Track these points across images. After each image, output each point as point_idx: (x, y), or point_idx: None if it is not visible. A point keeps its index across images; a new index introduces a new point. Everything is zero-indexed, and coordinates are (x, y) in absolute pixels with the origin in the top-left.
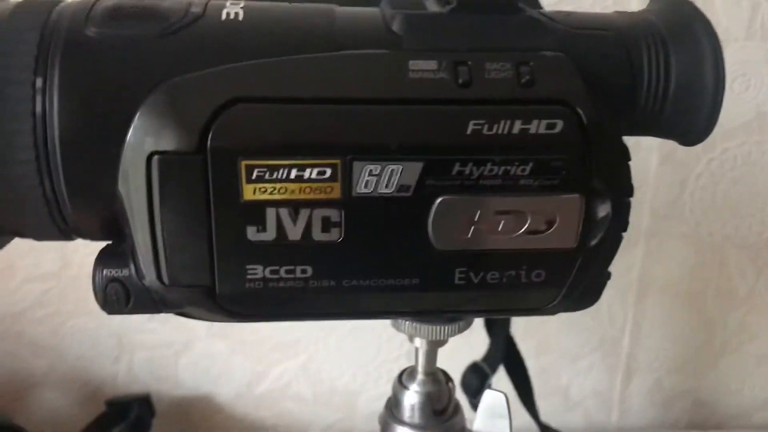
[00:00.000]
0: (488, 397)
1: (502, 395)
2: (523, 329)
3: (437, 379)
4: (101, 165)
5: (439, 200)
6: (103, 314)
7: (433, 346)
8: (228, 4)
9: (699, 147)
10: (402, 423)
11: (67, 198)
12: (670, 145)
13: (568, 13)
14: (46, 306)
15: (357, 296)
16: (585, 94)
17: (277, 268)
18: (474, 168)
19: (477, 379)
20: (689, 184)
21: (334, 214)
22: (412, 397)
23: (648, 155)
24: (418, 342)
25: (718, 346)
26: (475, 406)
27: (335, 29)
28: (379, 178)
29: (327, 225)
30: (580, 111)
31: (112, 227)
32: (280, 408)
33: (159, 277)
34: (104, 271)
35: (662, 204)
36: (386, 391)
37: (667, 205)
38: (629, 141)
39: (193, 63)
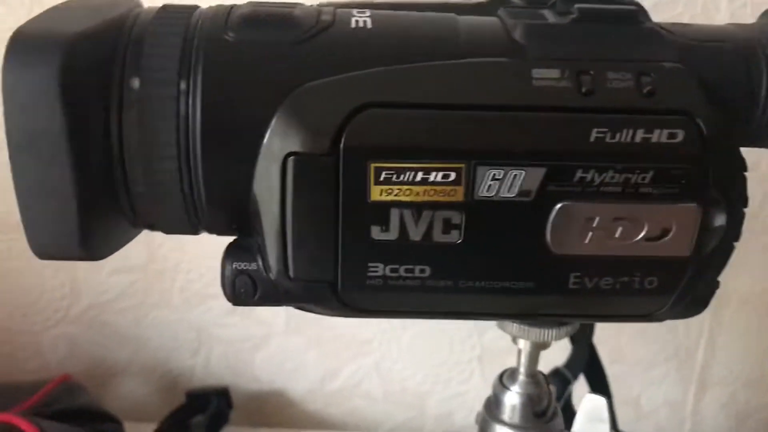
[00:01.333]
0: (589, 401)
1: (603, 400)
2: (597, 337)
3: (538, 381)
4: (238, 164)
5: (559, 206)
6: (184, 308)
7: (537, 348)
8: (355, 12)
9: None
10: (502, 423)
11: (204, 194)
12: (755, 156)
13: (685, 25)
14: (131, 297)
15: (472, 297)
16: (705, 106)
17: (397, 266)
18: (596, 175)
19: (558, 385)
20: None
21: (455, 216)
22: (513, 398)
23: None
24: (522, 344)
25: None
26: None
27: (459, 38)
28: (501, 183)
29: (448, 227)
30: (700, 122)
31: (240, 222)
32: (350, 405)
33: (285, 271)
34: (233, 264)
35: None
36: (456, 392)
37: (750, 216)
38: None
39: (326, 68)
